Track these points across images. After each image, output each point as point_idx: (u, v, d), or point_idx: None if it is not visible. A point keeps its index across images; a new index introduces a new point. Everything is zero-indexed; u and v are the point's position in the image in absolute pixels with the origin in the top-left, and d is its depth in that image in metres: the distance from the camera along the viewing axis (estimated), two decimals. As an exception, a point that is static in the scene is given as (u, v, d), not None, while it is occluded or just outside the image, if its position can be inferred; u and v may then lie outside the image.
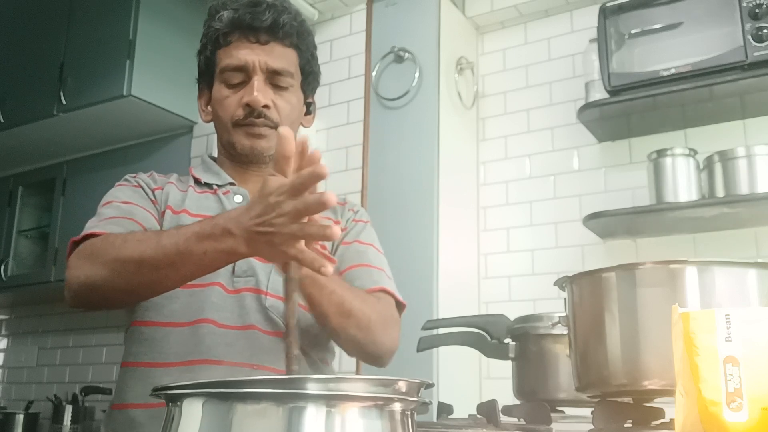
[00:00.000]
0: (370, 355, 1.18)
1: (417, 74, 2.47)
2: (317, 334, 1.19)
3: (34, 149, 3.40)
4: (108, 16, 2.94)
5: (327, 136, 2.68)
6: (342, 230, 1.26)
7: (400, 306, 1.25)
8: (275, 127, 1.22)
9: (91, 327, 3.51)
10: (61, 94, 3.00)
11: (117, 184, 1.26)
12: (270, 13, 1.22)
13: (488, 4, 2.66)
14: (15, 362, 3.82)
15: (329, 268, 0.87)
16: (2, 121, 3.23)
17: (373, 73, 2.56)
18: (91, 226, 1.12)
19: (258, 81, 1.21)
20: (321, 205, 0.85)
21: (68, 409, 3.21)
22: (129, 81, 2.80)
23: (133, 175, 1.28)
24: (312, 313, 1.09)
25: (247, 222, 0.90)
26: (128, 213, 1.16)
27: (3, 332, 3.96)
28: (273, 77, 1.23)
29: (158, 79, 2.90)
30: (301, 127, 1.33)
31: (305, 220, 0.87)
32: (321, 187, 0.89)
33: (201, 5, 3.11)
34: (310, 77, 1.31)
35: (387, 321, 1.18)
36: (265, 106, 1.21)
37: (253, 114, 1.21)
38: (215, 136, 1.31)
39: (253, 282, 1.17)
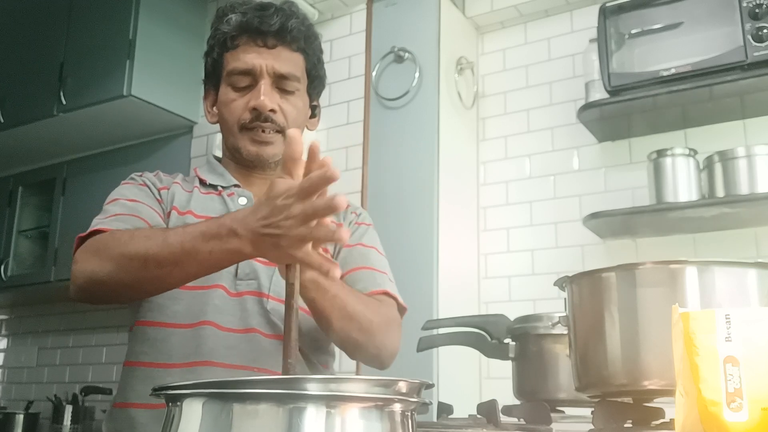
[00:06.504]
0: (371, 358, 1.17)
1: (417, 74, 2.47)
2: (318, 337, 1.19)
3: (34, 149, 3.40)
4: (108, 16, 2.94)
5: (327, 136, 2.68)
6: None
7: (401, 309, 1.24)
8: (281, 131, 1.23)
9: (91, 327, 3.51)
10: (61, 94, 3.00)
11: (123, 182, 1.26)
12: (278, 17, 1.22)
13: (488, 4, 2.66)
14: (15, 362, 3.82)
15: (337, 272, 0.87)
16: (2, 121, 3.23)
17: (373, 73, 2.56)
18: (97, 223, 1.12)
19: (265, 85, 1.21)
20: (330, 209, 0.85)
21: (68, 409, 3.21)
22: (129, 81, 2.80)
23: (139, 173, 1.28)
24: (314, 316, 1.08)
25: (253, 223, 0.89)
26: (134, 210, 1.17)
27: (3, 332, 3.96)
28: (280, 81, 1.23)
29: (158, 79, 2.90)
30: (306, 130, 1.33)
31: (313, 223, 0.87)
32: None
33: (201, 5, 3.12)
34: (316, 81, 1.32)
35: (389, 324, 1.18)
36: (272, 110, 1.21)
37: (259, 118, 1.21)
38: (215, 136, 1.32)
39: (255, 285, 1.17)
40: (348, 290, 1.11)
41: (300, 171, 0.90)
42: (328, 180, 0.85)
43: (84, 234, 1.11)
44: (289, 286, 0.88)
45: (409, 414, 0.63)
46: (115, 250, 1.02)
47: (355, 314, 1.09)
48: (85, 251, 1.07)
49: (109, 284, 1.03)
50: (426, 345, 1.49)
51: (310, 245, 0.88)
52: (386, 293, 1.22)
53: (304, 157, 0.90)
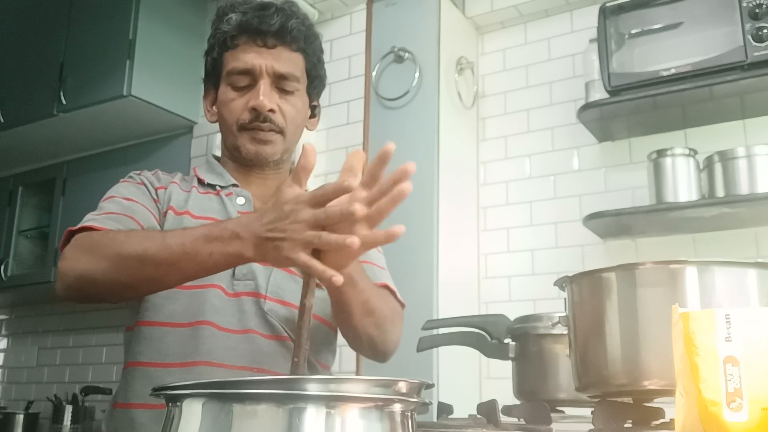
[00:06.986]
0: (379, 352, 1.18)
1: (417, 74, 2.47)
2: (319, 336, 1.19)
3: (34, 149, 3.40)
4: (108, 16, 2.94)
5: (327, 136, 2.69)
6: None
7: (400, 304, 1.25)
8: (281, 131, 1.23)
9: (91, 327, 3.51)
10: (61, 94, 3.00)
11: (121, 180, 1.26)
12: (278, 17, 1.22)
13: (488, 4, 2.66)
14: (15, 362, 3.82)
15: (340, 278, 0.87)
16: (2, 121, 3.23)
17: (373, 73, 2.56)
18: (89, 219, 1.12)
19: (264, 85, 1.21)
20: (344, 217, 0.86)
21: (68, 409, 3.21)
22: (129, 81, 2.80)
23: (138, 172, 1.27)
24: (334, 308, 1.09)
25: (257, 228, 0.90)
26: (128, 210, 1.16)
27: (3, 332, 3.96)
28: (279, 81, 1.23)
29: (158, 79, 2.90)
30: (305, 130, 1.33)
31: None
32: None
33: (201, 5, 3.12)
34: (316, 81, 1.31)
35: (395, 319, 1.19)
36: (271, 111, 1.21)
37: (258, 118, 1.21)
38: (215, 136, 1.32)
39: (253, 286, 1.17)
40: (369, 284, 1.12)
41: (307, 180, 0.91)
42: (344, 191, 0.86)
43: (75, 228, 1.10)
44: (307, 285, 0.88)
45: (409, 414, 0.63)
46: (111, 249, 1.02)
47: (375, 310, 1.10)
48: (76, 248, 1.07)
49: (102, 283, 1.02)
50: (426, 345, 1.49)
51: (311, 251, 0.88)
52: (386, 287, 1.22)
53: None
